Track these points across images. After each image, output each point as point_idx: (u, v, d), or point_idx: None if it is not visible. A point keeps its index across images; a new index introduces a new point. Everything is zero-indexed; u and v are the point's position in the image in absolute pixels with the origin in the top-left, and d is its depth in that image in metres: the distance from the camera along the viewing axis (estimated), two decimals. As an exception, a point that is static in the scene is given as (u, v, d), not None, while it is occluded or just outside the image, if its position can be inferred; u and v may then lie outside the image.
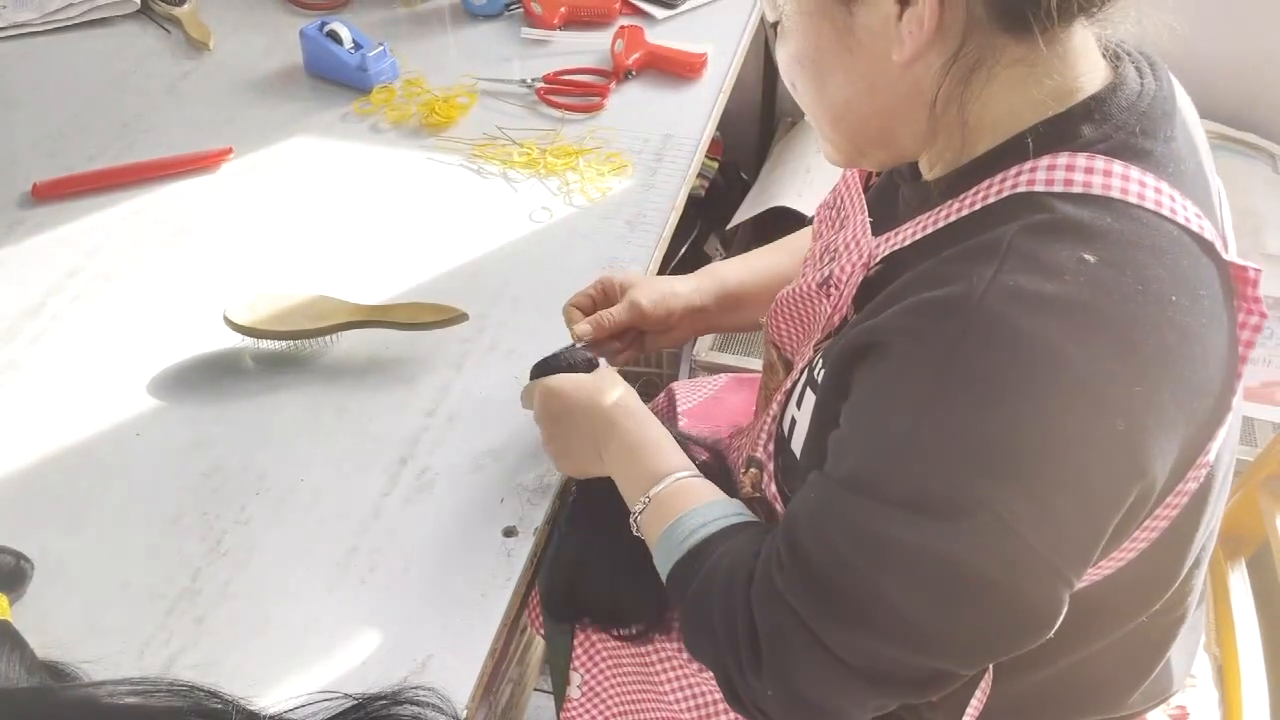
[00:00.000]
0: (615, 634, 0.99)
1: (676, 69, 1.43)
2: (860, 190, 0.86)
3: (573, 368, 0.94)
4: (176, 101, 1.42)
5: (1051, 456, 0.62)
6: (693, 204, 1.97)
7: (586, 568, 0.98)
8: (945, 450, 0.63)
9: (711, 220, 2.05)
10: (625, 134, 1.35)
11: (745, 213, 1.87)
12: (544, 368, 0.95)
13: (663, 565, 0.81)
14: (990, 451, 0.62)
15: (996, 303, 0.63)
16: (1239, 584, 1.15)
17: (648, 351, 1.07)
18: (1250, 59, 1.82)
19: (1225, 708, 1.05)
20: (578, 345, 0.98)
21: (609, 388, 0.90)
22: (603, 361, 0.97)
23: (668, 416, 1.19)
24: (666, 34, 1.49)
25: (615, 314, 1.00)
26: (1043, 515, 0.62)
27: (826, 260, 0.85)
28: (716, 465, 0.91)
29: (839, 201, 0.89)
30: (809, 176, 1.83)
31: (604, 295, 1.03)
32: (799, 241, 1.13)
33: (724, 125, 1.61)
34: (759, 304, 0.92)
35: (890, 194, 0.83)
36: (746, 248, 1.92)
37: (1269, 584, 1.09)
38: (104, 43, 1.54)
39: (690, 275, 1.07)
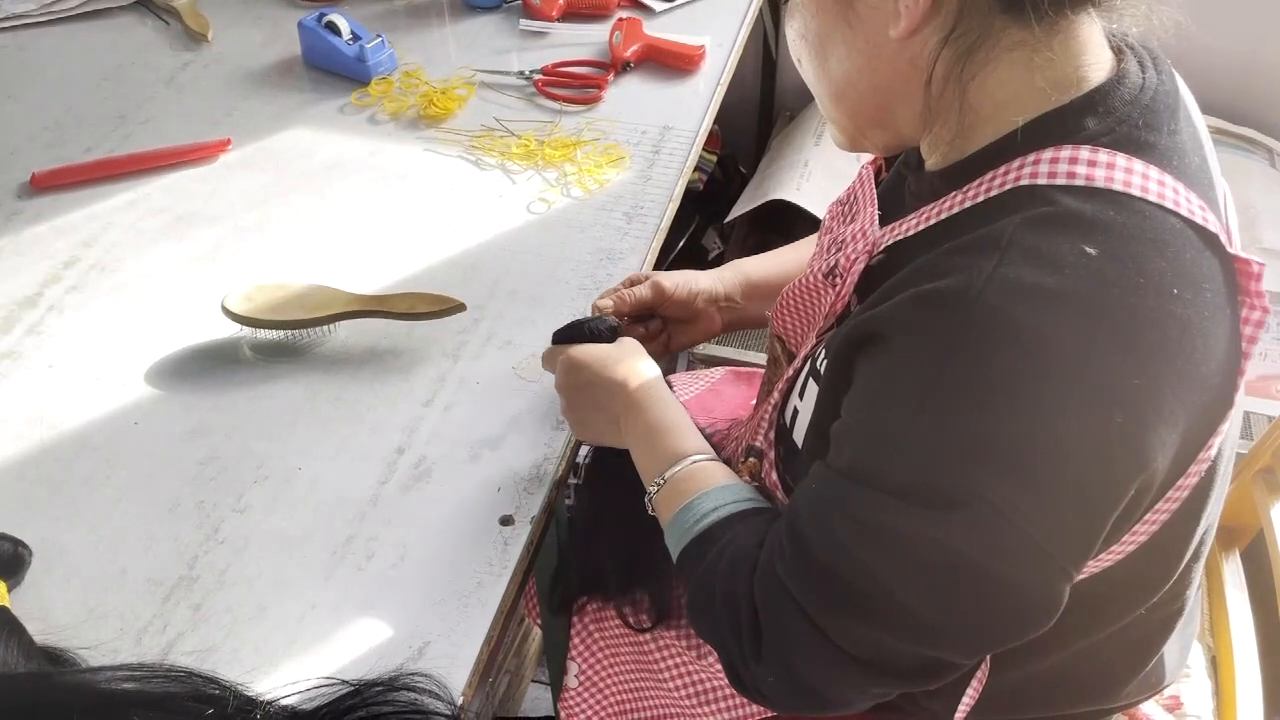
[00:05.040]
0: (622, 614, 1.00)
1: (674, 61, 1.43)
2: (872, 185, 0.87)
3: (596, 335, 0.94)
4: (175, 93, 1.42)
5: (1050, 449, 0.62)
6: (691, 197, 1.98)
7: (599, 534, 0.99)
8: (943, 441, 0.63)
9: (709, 214, 2.06)
10: (623, 126, 1.35)
11: (743, 206, 1.87)
12: (567, 334, 0.96)
13: (674, 546, 0.82)
14: (988, 443, 0.62)
15: (996, 296, 0.63)
16: (1233, 575, 1.15)
17: (674, 348, 1.07)
18: (1248, 54, 1.82)
19: (1219, 698, 1.05)
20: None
21: (633, 363, 0.91)
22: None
23: None
24: (664, 26, 1.50)
25: (637, 291, 1.01)
26: (1041, 507, 0.62)
27: (834, 251, 0.85)
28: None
29: (852, 198, 0.89)
30: (807, 170, 1.83)
31: (630, 286, 1.04)
32: None
33: (722, 119, 1.61)
34: None
35: (899, 187, 0.84)
36: (744, 241, 1.94)
37: (1263, 575, 1.10)
38: (102, 34, 1.54)
39: (712, 269, 1.08)
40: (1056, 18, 0.67)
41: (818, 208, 1.72)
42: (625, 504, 0.89)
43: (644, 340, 1.04)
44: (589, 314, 1.00)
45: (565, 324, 0.97)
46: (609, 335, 0.94)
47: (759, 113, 2.19)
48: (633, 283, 1.04)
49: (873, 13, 0.70)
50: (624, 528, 0.94)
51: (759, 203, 1.82)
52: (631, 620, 0.99)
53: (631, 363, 0.91)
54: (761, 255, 1.12)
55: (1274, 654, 1.10)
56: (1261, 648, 1.08)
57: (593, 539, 1.03)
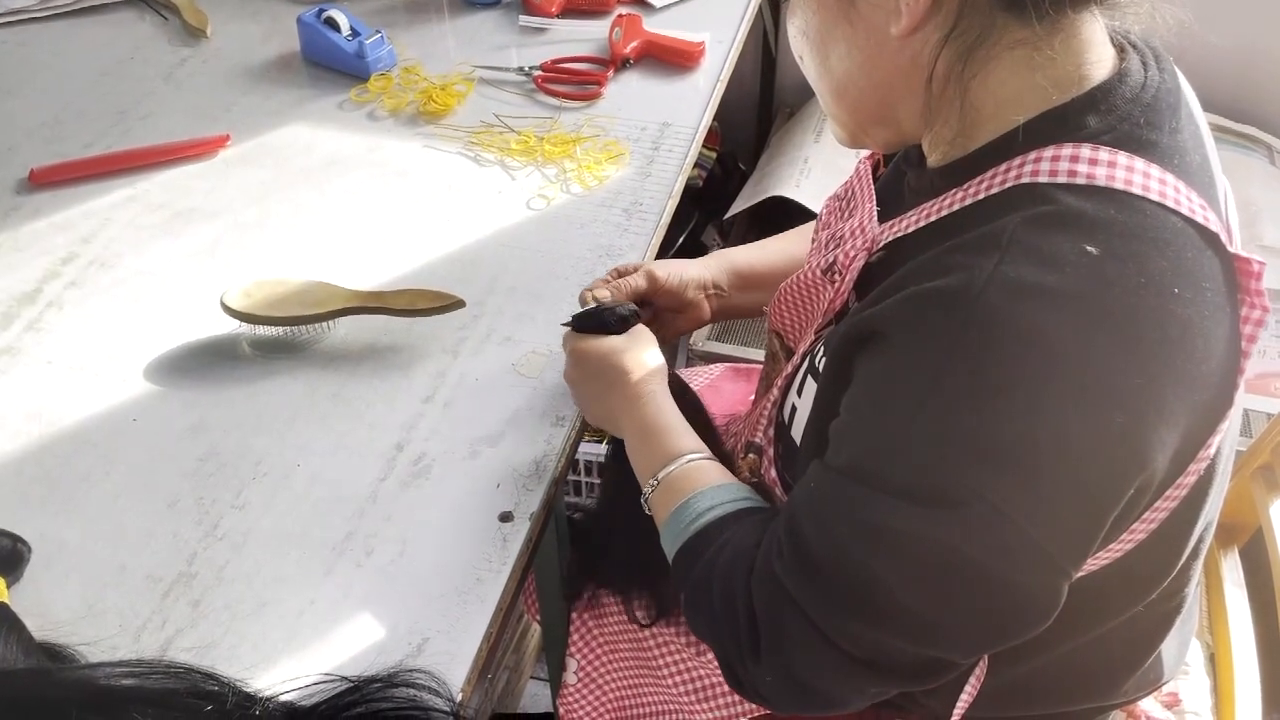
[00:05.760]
0: (628, 607, 1.00)
1: (674, 58, 1.43)
2: (870, 180, 0.87)
3: (605, 326, 0.95)
4: (174, 88, 1.42)
5: (1050, 449, 0.62)
6: (690, 194, 1.97)
7: (606, 529, 0.99)
8: (943, 441, 0.63)
9: (709, 210, 2.05)
10: (623, 122, 1.35)
11: (743, 202, 1.87)
12: (582, 321, 0.96)
13: (669, 546, 0.81)
14: (988, 443, 0.62)
15: (997, 295, 0.62)
16: (1232, 572, 1.16)
17: (666, 338, 1.08)
18: (1249, 52, 1.82)
19: (1217, 695, 1.05)
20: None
21: (635, 356, 0.91)
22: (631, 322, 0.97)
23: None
24: (664, 23, 1.49)
25: (631, 280, 1.02)
26: (1040, 506, 0.62)
27: (832, 247, 0.85)
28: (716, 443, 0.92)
29: (849, 193, 0.89)
30: (806, 166, 1.83)
31: (618, 276, 1.04)
32: (811, 230, 1.14)
33: (722, 115, 1.61)
34: (774, 285, 0.94)
35: (898, 183, 0.83)
36: (744, 238, 1.94)
37: (1261, 573, 1.10)
38: (101, 29, 1.54)
39: (699, 259, 1.08)
40: (1058, 16, 0.67)
41: (817, 204, 1.71)
42: (633, 499, 0.89)
43: None
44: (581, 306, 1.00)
45: (582, 310, 0.97)
46: (618, 326, 0.95)
47: (758, 109, 2.19)
48: (620, 273, 1.04)
49: (874, 10, 0.70)
50: (630, 523, 0.94)
51: (758, 199, 1.82)
52: (639, 614, 0.99)
53: (635, 356, 0.91)
54: (748, 245, 1.12)
55: (1272, 651, 1.10)
56: (1260, 645, 1.08)
57: (600, 534, 1.03)
